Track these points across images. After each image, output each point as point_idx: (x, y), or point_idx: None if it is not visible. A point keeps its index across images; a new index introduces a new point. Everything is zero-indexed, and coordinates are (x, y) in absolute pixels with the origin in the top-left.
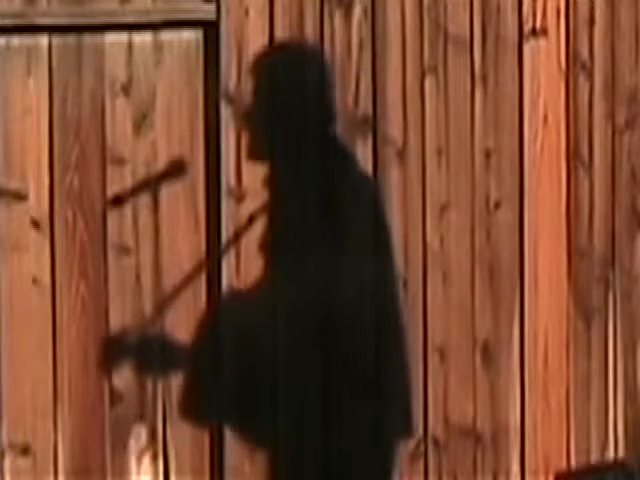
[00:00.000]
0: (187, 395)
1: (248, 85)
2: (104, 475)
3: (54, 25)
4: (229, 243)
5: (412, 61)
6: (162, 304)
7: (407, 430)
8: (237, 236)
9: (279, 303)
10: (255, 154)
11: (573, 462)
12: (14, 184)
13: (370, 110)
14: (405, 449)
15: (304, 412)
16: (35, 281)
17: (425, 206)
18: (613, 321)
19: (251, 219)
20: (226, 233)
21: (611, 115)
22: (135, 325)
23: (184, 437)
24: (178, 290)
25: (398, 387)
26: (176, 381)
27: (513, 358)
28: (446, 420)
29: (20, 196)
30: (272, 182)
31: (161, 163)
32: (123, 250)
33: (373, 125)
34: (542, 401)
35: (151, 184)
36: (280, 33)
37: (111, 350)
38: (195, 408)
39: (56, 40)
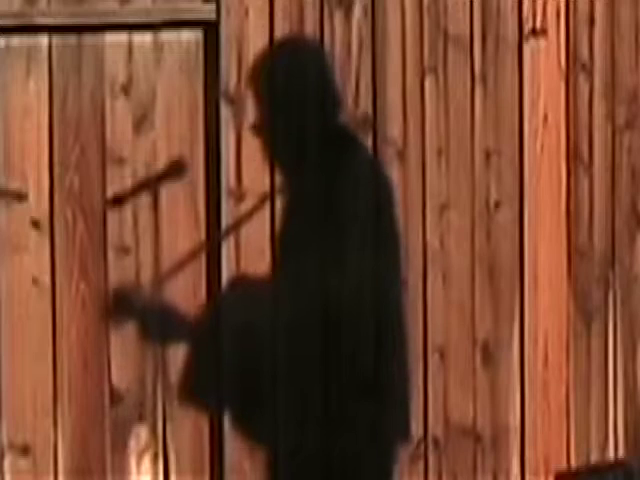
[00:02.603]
0: (187, 393)
1: (254, 82)
2: (104, 475)
3: (54, 25)
4: (228, 232)
5: (412, 61)
6: (162, 305)
7: (406, 431)
8: (237, 224)
9: (280, 302)
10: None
11: (573, 462)
12: (14, 184)
13: (370, 110)
14: (404, 450)
15: (304, 412)
16: (35, 281)
17: (425, 206)
18: (613, 321)
19: (252, 211)
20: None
21: (611, 115)
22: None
23: (184, 437)
24: (176, 268)
25: (398, 388)
26: (175, 381)
27: (513, 358)
28: (446, 420)
29: (20, 196)
30: (273, 179)
31: (161, 163)
32: (123, 250)
33: (373, 125)
34: (542, 401)
35: (151, 184)
36: (280, 33)
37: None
38: (195, 407)
39: (56, 40)
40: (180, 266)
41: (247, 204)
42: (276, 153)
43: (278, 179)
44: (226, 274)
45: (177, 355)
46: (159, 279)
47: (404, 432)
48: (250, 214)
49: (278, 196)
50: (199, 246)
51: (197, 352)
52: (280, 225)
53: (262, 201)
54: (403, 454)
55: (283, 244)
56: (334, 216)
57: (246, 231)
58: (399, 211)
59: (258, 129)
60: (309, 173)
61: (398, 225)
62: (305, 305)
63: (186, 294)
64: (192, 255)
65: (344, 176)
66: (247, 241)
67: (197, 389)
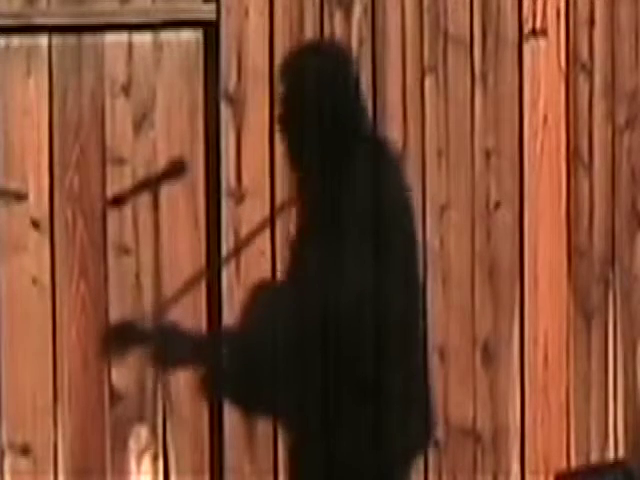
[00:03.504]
0: (187, 395)
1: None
2: (104, 475)
3: (54, 25)
4: (239, 247)
5: (412, 61)
6: (162, 306)
7: (427, 437)
8: (249, 239)
9: (281, 308)
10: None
11: (573, 462)
12: (14, 184)
13: (370, 110)
14: (414, 455)
15: (304, 414)
16: (35, 281)
17: (425, 206)
18: (613, 321)
19: (262, 224)
20: (226, 233)
21: (611, 115)
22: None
23: (184, 437)
24: (179, 292)
25: (416, 394)
26: (175, 383)
27: (513, 358)
28: (446, 420)
29: (20, 196)
30: (274, 179)
31: (161, 163)
32: (123, 250)
33: (373, 125)
34: (542, 401)
35: (151, 184)
36: (280, 33)
37: (112, 344)
38: (197, 405)
39: (56, 40)
40: (185, 285)
41: (247, 207)
42: (295, 156)
43: (295, 183)
44: (226, 275)
45: (177, 356)
46: (161, 292)
47: (424, 439)
48: (262, 227)
49: (281, 198)
50: (200, 265)
51: (197, 356)
52: (288, 228)
53: (281, 208)
54: (413, 459)
55: (288, 248)
56: (337, 220)
57: (246, 233)
58: (416, 216)
59: (283, 131)
60: (312, 176)
61: (417, 230)
62: (307, 312)
63: (186, 295)
64: (195, 275)
65: (348, 182)
66: (247, 243)
67: (197, 392)
